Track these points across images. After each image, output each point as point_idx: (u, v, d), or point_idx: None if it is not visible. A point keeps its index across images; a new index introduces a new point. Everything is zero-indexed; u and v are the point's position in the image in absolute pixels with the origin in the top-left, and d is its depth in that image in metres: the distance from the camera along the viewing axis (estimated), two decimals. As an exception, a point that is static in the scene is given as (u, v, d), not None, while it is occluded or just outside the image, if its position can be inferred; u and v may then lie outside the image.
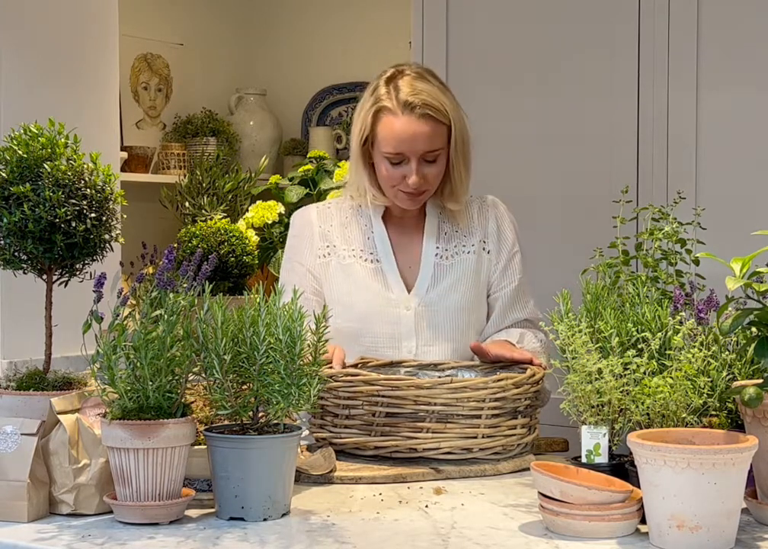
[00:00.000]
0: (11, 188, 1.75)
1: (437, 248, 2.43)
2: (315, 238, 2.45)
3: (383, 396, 2.00)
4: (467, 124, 2.38)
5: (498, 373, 2.17)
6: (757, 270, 1.68)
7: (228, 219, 3.65)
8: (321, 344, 1.75)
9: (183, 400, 1.71)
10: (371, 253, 2.42)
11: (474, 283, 2.43)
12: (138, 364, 1.67)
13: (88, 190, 1.80)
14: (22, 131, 1.82)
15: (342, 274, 2.41)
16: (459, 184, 2.40)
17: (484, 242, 2.46)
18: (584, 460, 1.76)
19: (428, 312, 2.38)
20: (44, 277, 1.83)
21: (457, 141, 2.34)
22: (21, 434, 1.72)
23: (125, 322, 1.69)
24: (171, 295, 1.70)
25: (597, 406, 1.77)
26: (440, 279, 2.41)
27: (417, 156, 2.30)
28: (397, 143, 2.30)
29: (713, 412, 1.72)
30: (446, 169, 2.37)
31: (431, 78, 2.36)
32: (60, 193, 1.75)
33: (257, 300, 1.72)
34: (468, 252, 2.44)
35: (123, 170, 3.96)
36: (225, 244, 3.02)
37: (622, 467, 1.75)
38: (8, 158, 1.78)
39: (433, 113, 2.29)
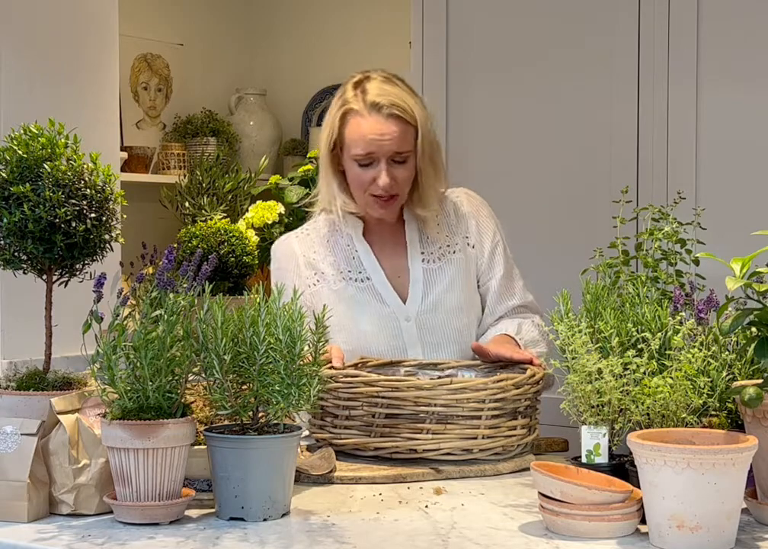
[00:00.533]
0: (11, 188, 1.75)
1: (422, 253, 2.42)
2: (301, 268, 2.42)
3: (383, 397, 2.00)
4: (434, 129, 2.38)
5: (498, 373, 2.17)
6: (757, 270, 1.67)
7: (228, 219, 3.65)
8: (321, 344, 1.75)
9: (183, 400, 1.71)
10: (359, 272, 2.40)
11: (466, 281, 2.43)
12: (138, 364, 1.67)
13: (88, 190, 1.80)
14: (22, 131, 1.82)
15: (335, 299, 2.38)
16: (428, 190, 2.37)
17: (467, 237, 2.45)
18: (584, 460, 1.76)
19: (429, 318, 2.37)
20: (44, 277, 1.83)
21: (424, 144, 2.32)
22: (21, 434, 1.72)
23: (125, 322, 1.69)
24: (171, 295, 1.70)
25: (597, 406, 1.77)
26: (432, 284, 2.40)
27: (387, 157, 2.29)
28: (365, 144, 2.28)
29: (713, 412, 1.72)
30: (415, 174, 2.35)
31: (398, 82, 2.35)
32: (60, 193, 1.75)
33: (257, 300, 1.72)
34: (455, 252, 2.44)
35: (123, 170, 3.96)
36: (225, 244, 3.02)
37: (622, 467, 1.75)
38: (8, 158, 1.78)
39: (401, 113, 2.29)
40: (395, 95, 2.30)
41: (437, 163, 2.38)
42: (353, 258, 2.42)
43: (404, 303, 2.38)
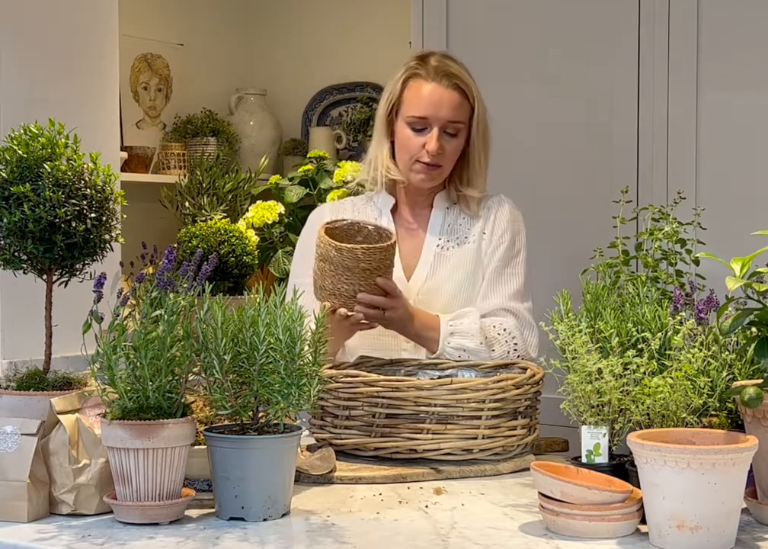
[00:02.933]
0: (11, 188, 1.75)
1: (439, 239, 2.48)
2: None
3: (383, 397, 2.00)
4: (487, 113, 2.46)
5: (498, 373, 2.18)
6: (757, 270, 1.68)
7: (228, 219, 3.65)
8: (320, 344, 1.75)
9: (183, 400, 1.71)
10: None
11: (473, 271, 2.45)
12: (138, 364, 1.67)
13: (88, 190, 1.80)
14: (22, 131, 1.82)
15: None
16: (478, 170, 2.46)
17: (484, 232, 2.49)
18: (584, 460, 1.76)
19: (427, 300, 2.40)
20: (44, 277, 1.83)
21: (479, 123, 2.43)
22: (21, 434, 1.72)
23: (125, 322, 1.69)
24: (171, 295, 1.70)
25: (597, 406, 1.77)
26: (438, 267, 2.45)
27: (440, 124, 2.38)
28: (423, 107, 2.38)
29: (713, 412, 1.72)
30: (467, 154, 2.44)
31: (459, 62, 2.47)
32: (60, 193, 1.75)
33: (257, 300, 1.72)
34: (469, 243, 2.48)
35: (123, 170, 3.95)
36: (225, 244, 3.02)
37: (622, 467, 1.75)
38: (8, 158, 1.78)
39: (462, 86, 2.40)
40: (456, 69, 2.42)
41: (488, 146, 2.47)
42: None
43: (408, 282, 2.42)
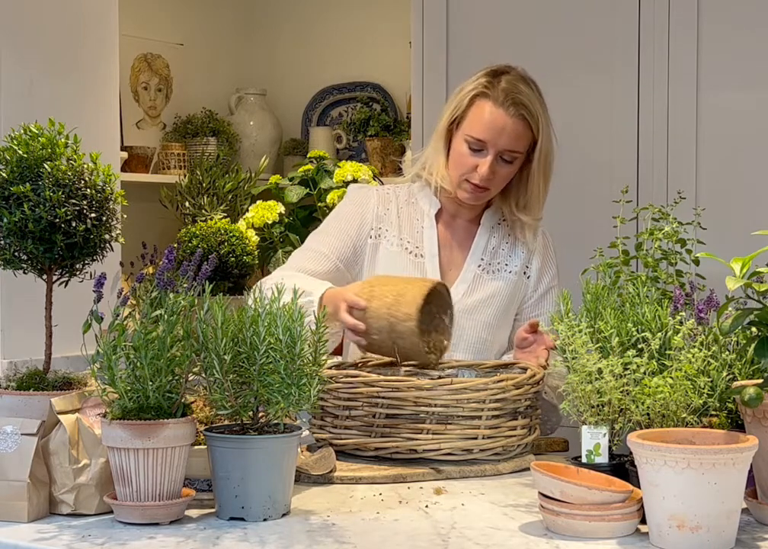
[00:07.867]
0: (11, 188, 1.75)
1: (482, 259, 2.48)
2: (368, 216, 2.48)
3: (383, 398, 2.00)
4: (554, 144, 2.43)
5: (498, 373, 2.17)
6: (757, 270, 1.67)
7: (228, 219, 3.65)
8: (320, 344, 1.75)
9: (183, 400, 1.71)
10: (417, 247, 2.47)
11: (507, 302, 2.47)
12: (138, 364, 1.67)
13: (88, 190, 1.80)
14: (22, 131, 1.82)
15: (387, 260, 2.45)
16: (536, 198, 2.44)
17: (527, 266, 2.50)
18: (584, 460, 1.76)
19: (458, 317, 2.38)
20: (44, 277, 1.83)
21: (541, 155, 2.39)
22: (21, 434, 1.72)
23: (125, 322, 1.69)
24: (171, 295, 1.70)
25: (597, 406, 1.77)
26: (476, 289, 2.45)
27: (496, 150, 2.35)
28: (484, 130, 2.34)
29: (713, 412, 1.72)
30: (526, 181, 2.42)
31: (533, 85, 2.41)
32: (60, 193, 1.75)
33: (257, 300, 1.71)
34: (510, 272, 2.49)
35: (123, 170, 3.95)
36: (225, 244, 3.02)
37: (622, 467, 1.75)
38: (8, 158, 1.78)
39: (527, 117, 2.35)
40: (526, 97, 2.36)
41: (548, 175, 2.45)
42: (417, 232, 2.48)
43: None
